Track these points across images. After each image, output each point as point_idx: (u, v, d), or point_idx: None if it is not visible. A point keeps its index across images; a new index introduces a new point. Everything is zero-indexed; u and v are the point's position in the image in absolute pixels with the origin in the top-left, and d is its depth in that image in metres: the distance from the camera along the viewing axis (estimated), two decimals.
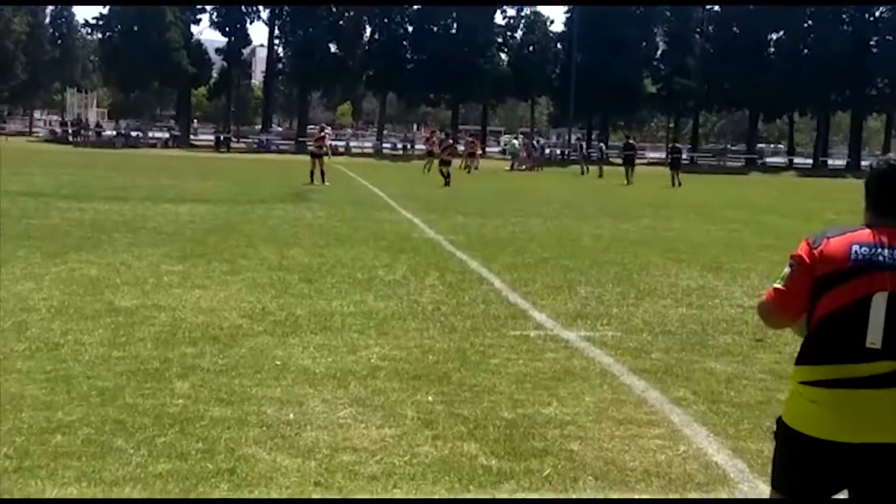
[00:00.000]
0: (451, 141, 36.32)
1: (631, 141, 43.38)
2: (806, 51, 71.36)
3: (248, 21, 74.51)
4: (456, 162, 39.91)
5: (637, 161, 42.12)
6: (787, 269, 2.88)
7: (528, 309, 8.81)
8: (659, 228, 17.89)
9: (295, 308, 8.37)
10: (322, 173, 27.53)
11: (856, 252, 2.75)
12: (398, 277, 10.44)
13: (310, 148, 29.89)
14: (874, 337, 2.70)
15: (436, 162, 36.65)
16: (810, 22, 70.91)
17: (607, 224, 18.41)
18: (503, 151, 54.89)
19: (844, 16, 70.09)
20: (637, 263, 12.35)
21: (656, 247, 14.49)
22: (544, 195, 28.01)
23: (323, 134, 30.01)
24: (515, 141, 56.36)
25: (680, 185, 36.36)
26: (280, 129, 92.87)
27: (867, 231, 2.81)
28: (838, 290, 2.74)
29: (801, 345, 2.88)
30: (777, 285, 2.89)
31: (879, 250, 2.75)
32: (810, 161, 73.83)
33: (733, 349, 7.41)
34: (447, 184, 30.38)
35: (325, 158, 27.97)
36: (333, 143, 72.58)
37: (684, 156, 72.94)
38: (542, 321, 8.27)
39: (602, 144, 55.02)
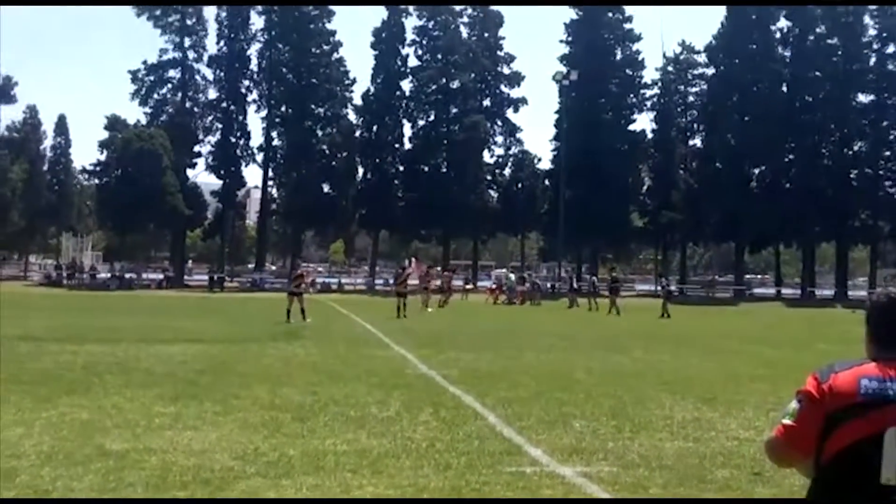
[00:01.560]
0: (402, 271, 36.83)
1: (614, 274, 46.54)
2: (788, 184, 72.73)
3: (243, 163, 75.89)
4: (434, 297, 40.62)
5: (625, 293, 43.05)
6: (794, 405, 2.81)
7: (524, 444, 8.68)
8: (651, 360, 17.82)
9: (287, 448, 8.24)
10: (302, 311, 27.57)
11: (865, 387, 2.71)
12: (391, 414, 10.33)
13: (290, 288, 29.86)
14: (889, 473, 2.63)
15: (433, 297, 37.43)
16: (791, 157, 72.48)
17: (600, 356, 18.34)
18: (500, 286, 55.49)
19: (824, 150, 71.71)
20: (631, 396, 12.26)
21: (650, 379, 14.41)
22: (536, 328, 28.00)
23: (300, 272, 30.30)
24: (512, 275, 56.95)
25: (668, 316, 36.50)
26: (273, 267, 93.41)
27: (873, 365, 2.77)
28: (850, 425, 2.67)
29: (812, 485, 2.80)
30: (787, 422, 2.80)
31: (889, 384, 2.71)
32: (798, 291, 74.27)
33: (732, 483, 7.28)
34: (402, 315, 31.83)
35: (305, 296, 28.15)
36: (326, 280, 73.54)
37: (673, 287, 73.80)
38: (538, 457, 8.14)
39: (594, 277, 55.44)
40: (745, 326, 32.92)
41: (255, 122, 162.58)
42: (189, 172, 74.95)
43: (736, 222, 68.58)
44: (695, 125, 78.25)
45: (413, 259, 44.59)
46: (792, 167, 72.97)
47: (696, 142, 78.30)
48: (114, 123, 72.22)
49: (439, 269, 52.62)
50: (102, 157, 72.49)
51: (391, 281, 49.68)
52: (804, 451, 2.79)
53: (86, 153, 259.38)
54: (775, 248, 77.30)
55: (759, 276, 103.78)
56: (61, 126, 77.58)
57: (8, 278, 71.26)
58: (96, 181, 74.94)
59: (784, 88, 72.23)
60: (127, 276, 70.19)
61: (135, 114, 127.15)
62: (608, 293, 43.02)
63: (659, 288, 46.36)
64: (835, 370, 2.79)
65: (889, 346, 2.81)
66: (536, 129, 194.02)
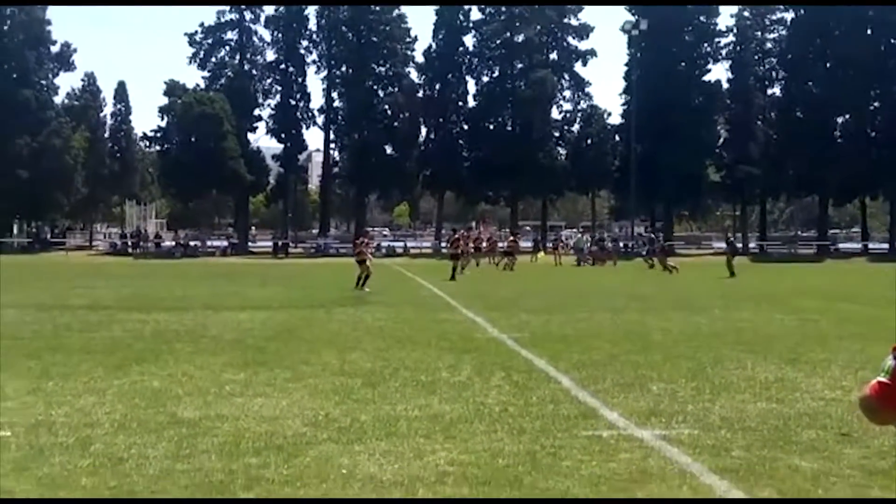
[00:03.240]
0: (457, 236, 36.74)
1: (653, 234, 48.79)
2: (874, 133, 70.92)
3: (304, 126, 76.52)
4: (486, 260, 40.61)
5: (701, 251, 43.25)
6: (890, 362, 2.77)
7: (599, 407, 8.70)
8: (730, 320, 17.65)
9: (359, 414, 8.37)
10: (359, 279, 26.94)
11: None
12: (463, 379, 10.41)
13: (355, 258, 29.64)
14: None
15: (500, 257, 38.03)
16: (876, 104, 70.67)
17: (677, 317, 18.22)
18: (557, 246, 55.46)
19: None
20: (710, 357, 12.18)
21: (729, 339, 14.29)
22: (609, 289, 27.89)
23: (359, 241, 29.45)
24: (583, 236, 56.56)
25: (733, 275, 35.87)
26: (338, 231, 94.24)
27: None
28: None
29: None
30: (882, 378, 2.77)
31: None
32: (886, 246, 72.62)
33: (818, 445, 7.21)
34: (453, 278, 32.35)
35: (368, 264, 27.54)
36: (391, 244, 74.02)
37: (752, 244, 72.78)
38: (615, 420, 8.15)
39: (655, 235, 54.26)
40: (829, 283, 32.36)
41: (314, 83, 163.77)
42: (250, 137, 75.92)
43: (819, 174, 67.23)
44: (773, 74, 76.61)
45: (481, 221, 44.78)
46: (877, 115, 71.24)
47: (775, 91, 76.75)
48: (173, 88, 73.22)
49: (495, 230, 52.94)
50: (163, 124, 73.84)
51: (443, 245, 49.64)
52: None
53: (146, 120, 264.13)
54: (861, 201, 75.61)
55: (843, 231, 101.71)
56: (121, 93, 78.81)
57: (74, 248, 73.15)
58: (157, 148, 76.26)
59: (869, 31, 70.16)
60: (192, 243, 71.61)
61: (194, 78, 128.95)
62: (658, 253, 43.58)
63: (724, 245, 45.80)
64: None
65: None
66: (605, 83, 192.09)
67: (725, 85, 74.99)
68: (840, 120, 72.53)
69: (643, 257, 49.35)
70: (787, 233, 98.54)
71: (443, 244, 72.52)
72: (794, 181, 71.14)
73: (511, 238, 50.20)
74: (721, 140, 76.32)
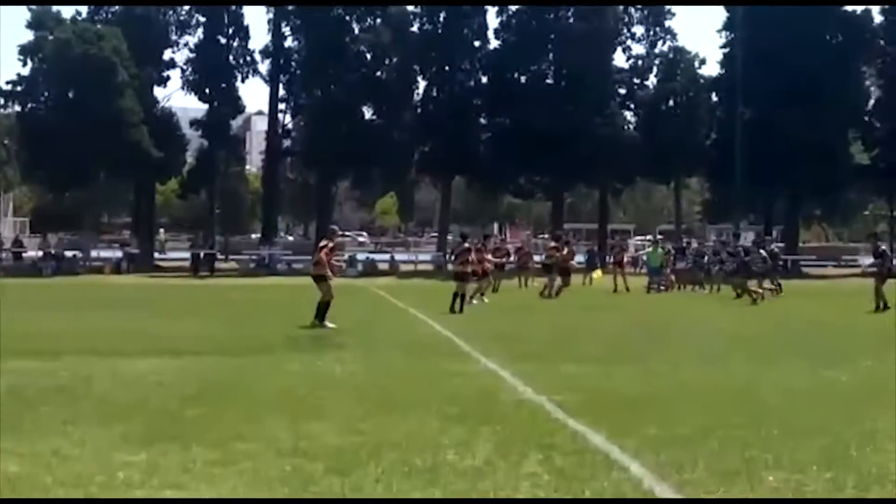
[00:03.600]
0: (467, 246, 36.11)
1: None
2: None
3: (240, 77, 76.46)
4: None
5: (844, 270, 42.61)
6: None
7: None
8: (888, 375, 17.58)
9: None
10: (318, 308, 26.23)
11: None
12: (479, 464, 10.37)
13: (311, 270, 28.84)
14: None
15: (538, 279, 37.87)
16: None
17: (803, 370, 18.17)
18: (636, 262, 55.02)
19: None
20: (856, 432, 12.11)
21: (886, 404, 14.22)
22: (699, 327, 27.81)
23: (323, 244, 28.21)
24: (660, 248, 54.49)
25: (885, 307, 35.85)
26: (290, 238, 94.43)
27: None
28: None
29: None
30: None
31: None
32: None
33: None
34: (454, 310, 32.35)
35: (330, 283, 26.75)
36: (370, 256, 73.76)
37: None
38: None
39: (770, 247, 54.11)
40: None
41: (256, 12, 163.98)
42: (157, 92, 75.98)
43: None
44: None
45: (503, 228, 44.73)
46: None
47: None
48: (41, 19, 73.18)
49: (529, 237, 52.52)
50: (25, 72, 73.46)
51: (451, 257, 48.62)
52: None
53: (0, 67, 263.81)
54: None
55: None
56: None
57: None
58: (16, 108, 75.92)
59: None
60: (68, 254, 71.50)
61: (72, 5, 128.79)
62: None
63: (870, 260, 44.49)
64: None
65: None
66: (697, 15, 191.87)
67: (878, 18, 75.03)
68: None
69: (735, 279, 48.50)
70: None
71: (450, 257, 72.57)
72: None
73: (553, 245, 47.56)
74: (872, 102, 76.36)
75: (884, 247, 44.26)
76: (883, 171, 73.32)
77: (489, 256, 40.15)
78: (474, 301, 36.30)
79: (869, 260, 46.14)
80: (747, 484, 9.56)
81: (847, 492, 9.31)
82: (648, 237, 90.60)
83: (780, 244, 63.02)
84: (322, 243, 28.26)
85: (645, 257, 55.65)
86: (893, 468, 10.28)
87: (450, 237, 77.87)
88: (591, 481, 9.62)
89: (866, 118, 75.30)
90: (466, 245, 35.78)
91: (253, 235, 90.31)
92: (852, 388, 16.03)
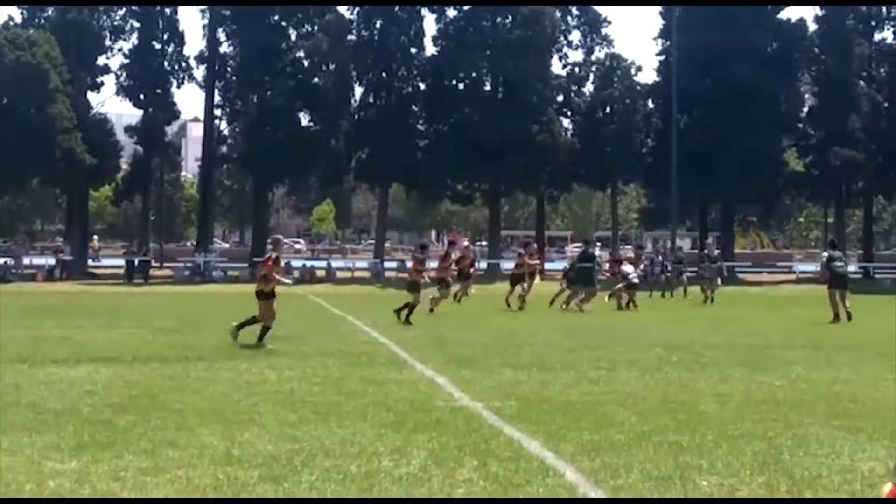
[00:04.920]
0: (423, 250, 36.05)
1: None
2: None
3: (175, 83, 76.15)
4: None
5: (780, 277, 42.76)
6: None
7: None
8: (820, 381, 17.75)
9: None
10: (252, 322, 24.24)
11: None
12: (414, 470, 10.38)
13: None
14: None
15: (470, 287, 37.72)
16: None
17: (739, 376, 18.30)
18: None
19: None
20: (789, 437, 12.24)
21: (817, 410, 14.37)
22: (639, 333, 27.95)
23: (270, 244, 26.94)
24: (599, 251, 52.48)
25: (837, 318, 35.86)
26: (226, 245, 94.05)
27: None
28: None
29: None
30: None
31: None
32: None
33: None
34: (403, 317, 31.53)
35: (274, 307, 24.07)
36: (307, 263, 73.70)
37: (853, 267, 73.33)
38: None
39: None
40: None
41: (191, 16, 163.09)
42: (91, 98, 75.46)
43: None
44: (884, 9, 77.24)
45: (440, 235, 44.34)
46: None
47: (886, 35, 77.49)
48: None
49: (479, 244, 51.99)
50: None
51: (406, 265, 47.78)
52: None
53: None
54: None
55: None
56: None
57: None
58: None
59: None
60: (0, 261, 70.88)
61: (5, 9, 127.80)
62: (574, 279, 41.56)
63: (819, 264, 43.70)
64: None
65: None
66: (634, 23, 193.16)
67: (812, 26, 75.78)
68: None
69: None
70: None
71: (388, 264, 72.59)
72: None
73: (521, 253, 45.16)
74: (806, 109, 77.06)
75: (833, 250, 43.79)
76: (817, 178, 74.08)
77: (447, 265, 39.57)
78: (436, 309, 35.79)
79: (806, 266, 46.26)
80: (681, 489, 9.63)
81: (780, 496, 9.40)
82: (588, 243, 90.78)
83: (717, 251, 63.39)
84: (270, 243, 26.93)
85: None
86: (825, 472, 10.40)
87: (387, 244, 77.74)
88: (525, 487, 9.66)
89: (801, 125, 76.03)
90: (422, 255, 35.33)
91: (188, 242, 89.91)
92: (786, 395, 16.16)
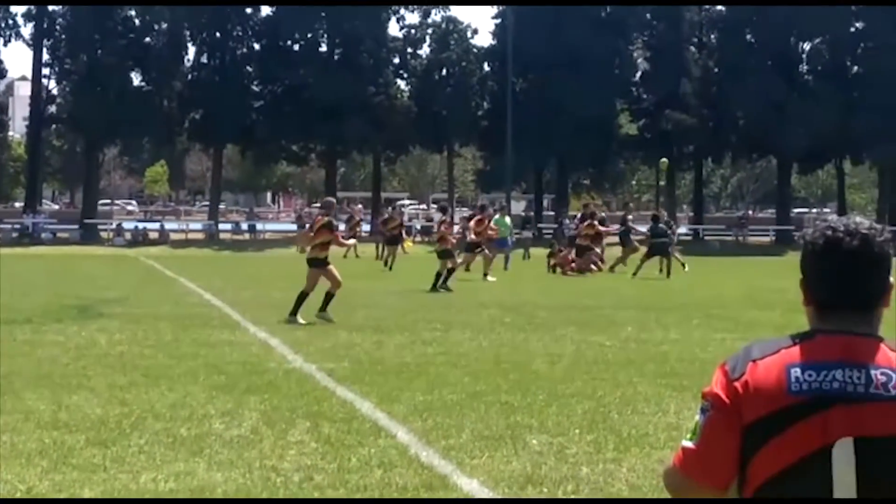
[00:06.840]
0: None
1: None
2: (855, 67, 73.47)
3: (1, 41, 74.37)
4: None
5: (607, 239, 43.20)
6: (698, 417, 2.92)
7: (451, 474, 8.79)
8: (649, 341, 18.07)
9: (81, 488, 8.23)
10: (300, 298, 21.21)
11: (797, 379, 2.75)
12: (245, 433, 10.34)
13: None
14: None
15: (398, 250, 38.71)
16: (858, 25, 72.99)
17: (571, 336, 18.55)
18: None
19: None
20: (618, 396, 12.44)
21: (646, 369, 14.64)
22: (475, 297, 28.12)
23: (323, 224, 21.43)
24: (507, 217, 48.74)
25: (668, 274, 36.92)
26: (56, 206, 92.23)
27: (809, 343, 2.84)
28: (778, 442, 2.71)
29: None
30: (686, 443, 2.88)
31: (833, 373, 2.74)
32: None
33: None
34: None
35: (331, 267, 21.45)
36: (139, 225, 72.80)
37: (683, 229, 74.63)
38: (473, 490, 8.23)
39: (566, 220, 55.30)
40: (794, 285, 33.43)
41: None
42: None
43: (779, 128, 68.79)
44: None
45: (276, 197, 44.28)
46: (860, 41, 73.47)
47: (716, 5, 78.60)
48: None
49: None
50: None
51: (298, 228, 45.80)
52: (715, 483, 2.83)
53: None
54: (837, 166, 78.50)
55: (815, 211, 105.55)
56: None
57: None
58: None
59: None
60: None
61: None
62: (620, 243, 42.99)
63: (646, 228, 43.38)
64: (752, 357, 2.87)
65: (830, 309, 2.88)
66: None
67: None
68: (808, 46, 74.86)
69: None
70: (734, 212, 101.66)
71: (222, 226, 71.92)
72: (743, 137, 73.09)
73: (479, 218, 38.10)
74: (639, 73, 78.10)
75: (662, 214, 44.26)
76: (649, 142, 75.29)
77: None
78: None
79: (640, 226, 45.91)
80: (512, 448, 9.72)
81: (608, 454, 9.53)
82: (422, 203, 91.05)
83: (550, 213, 64.05)
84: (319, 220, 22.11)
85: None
86: (651, 429, 10.61)
87: (221, 206, 77.05)
88: (357, 448, 9.67)
89: (634, 89, 77.04)
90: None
91: (16, 204, 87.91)
92: (615, 355, 16.41)
